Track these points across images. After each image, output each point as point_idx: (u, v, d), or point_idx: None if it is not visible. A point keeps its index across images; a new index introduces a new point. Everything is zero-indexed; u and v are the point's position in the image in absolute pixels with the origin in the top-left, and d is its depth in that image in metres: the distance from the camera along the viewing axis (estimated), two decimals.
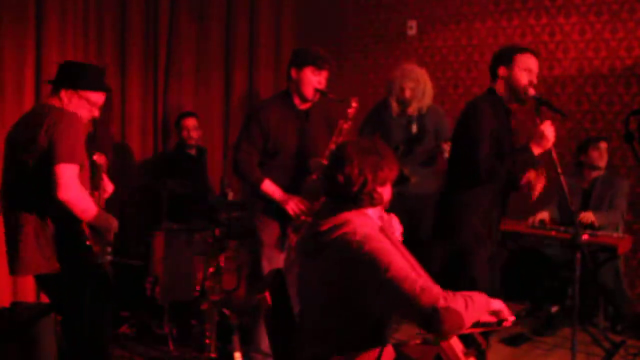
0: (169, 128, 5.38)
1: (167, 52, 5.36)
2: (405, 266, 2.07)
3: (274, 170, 3.62)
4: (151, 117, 5.31)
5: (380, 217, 2.40)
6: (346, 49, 6.12)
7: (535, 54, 3.48)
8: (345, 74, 6.01)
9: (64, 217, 2.84)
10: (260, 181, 3.58)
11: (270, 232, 3.65)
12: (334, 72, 3.75)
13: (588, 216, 4.51)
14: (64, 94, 2.95)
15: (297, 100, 3.65)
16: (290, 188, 3.61)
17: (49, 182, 2.75)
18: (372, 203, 2.25)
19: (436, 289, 2.01)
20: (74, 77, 2.97)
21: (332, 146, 3.60)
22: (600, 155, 4.74)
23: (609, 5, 4.99)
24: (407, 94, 4.52)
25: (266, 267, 3.61)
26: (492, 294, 3.47)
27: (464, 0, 5.56)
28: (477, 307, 2.08)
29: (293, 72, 3.61)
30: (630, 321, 4.64)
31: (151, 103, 5.28)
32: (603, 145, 4.77)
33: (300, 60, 3.60)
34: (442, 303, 1.97)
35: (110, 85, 4.89)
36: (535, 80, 3.39)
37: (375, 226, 2.26)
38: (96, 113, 3.04)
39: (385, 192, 2.29)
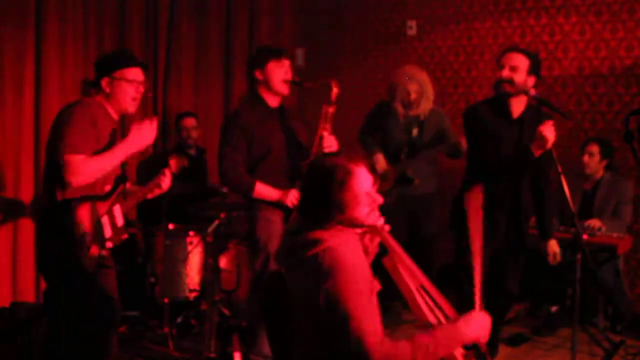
0: (169, 128, 5.38)
1: (167, 52, 5.36)
2: (367, 316, 1.96)
3: (266, 172, 3.57)
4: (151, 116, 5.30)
5: (364, 233, 2.26)
6: (346, 49, 6.12)
7: (517, 50, 3.61)
8: (344, 74, 6.01)
9: (57, 211, 2.85)
10: (252, 187, 3.53)
11: (272, 235, 3.57)
12: (291, 59, 3.82)
13: (595, 224, 4.42)
14: (104, 84, 2.98)
15: (269, 100, 3.64)
16: (285, 186, 3.58)
17: (58, 171, 2.80)
18: (343, 223, 2.11)
19: (387, 347, 1.93)
20: (105, 64, 3.02)
21: (323, 132, 3.60)
22: (588, 162, 4.61)
23: (608, 5, 4.99)
24: (413, 96, 4.53)
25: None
26: (500, 294, 3.65)
27: (464, 0, 5.56)
28: (437, 349, 1.99)
29: (258, 74, 3.61)
30: (630, 321, 4.63)
31: (151, 103, 5.28)
32: (593, 148, 4.62)
33: (260, 59, 3.61)
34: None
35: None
36: (505, 74, 3.47)
37: (352, 248, 2.10)
38: (141, 89, 3.05)
39: (359, 210, 2.11)
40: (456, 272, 3.72)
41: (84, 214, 2.88)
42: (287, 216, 3.58)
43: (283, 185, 3.59)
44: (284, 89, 3.62)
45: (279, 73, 3.59)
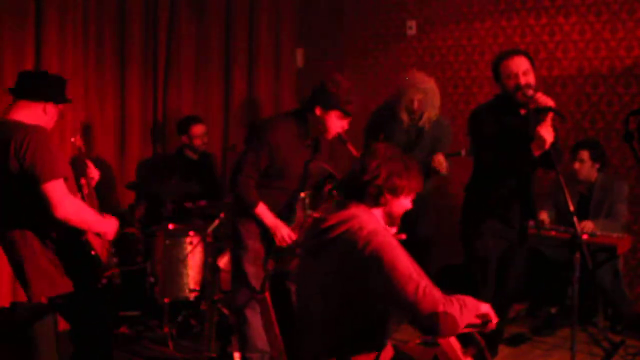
0: (169, 128, 5.37)
1: (167, 52, 5.36)
2: (409, 265, 2.10)
3: (269, 192, 3.57)
4: (151, 117, 5.31)
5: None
6: (345, 50, 6.12)
7: (516, 52, 3.57)
8: (344, 75, 5.98)
9: (64, 233, 2.80)
10: (255, 205, 3.52)
11: (255, 238, 3.60)
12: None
13: (588, 226, 4.39)
14: (29, 104, 2.86)
15: (312, 132, 3.59)
16: (283, 209, 3.61)
17: (41, 203, 2.67)
18: (377, 202, 2.26)
19: (437, 293, 2.07)
20: (41, 88, 2.90)
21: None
22: (580, 168, 4.60)
23: (608, 5, 4.98)
24: (416, 105, 4.48)
25: (251, 271, 3.56)
26: (504, 293, 3.70)
27: (464, 0, 5.56)
28: (469, 311, 2.15)
29: (318, 110, 3.48)
30: (630, 321, 4.63)
31: (151, 103, 5.28)
32: (583, 155, 4.59)
33: (328, 102, 3.46)
34: (441, 308, 2.04)
35: (109, 87, 4.93)
36: (523, 80, 3.45)
37: (381, 223, 2.28)
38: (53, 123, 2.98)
39: (396, 203, 2.29)
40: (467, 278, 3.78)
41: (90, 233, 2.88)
42: (269, 241, 3.59)
43: (278, 208, 3.60)
44: (329, 136, 3.57)
45: (337, 127, 3.51)
